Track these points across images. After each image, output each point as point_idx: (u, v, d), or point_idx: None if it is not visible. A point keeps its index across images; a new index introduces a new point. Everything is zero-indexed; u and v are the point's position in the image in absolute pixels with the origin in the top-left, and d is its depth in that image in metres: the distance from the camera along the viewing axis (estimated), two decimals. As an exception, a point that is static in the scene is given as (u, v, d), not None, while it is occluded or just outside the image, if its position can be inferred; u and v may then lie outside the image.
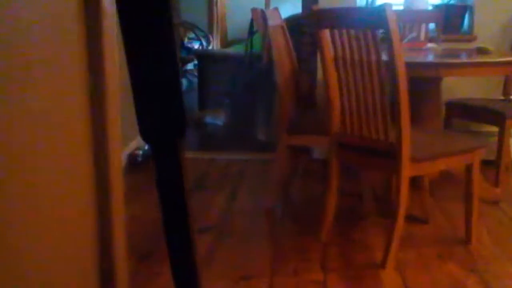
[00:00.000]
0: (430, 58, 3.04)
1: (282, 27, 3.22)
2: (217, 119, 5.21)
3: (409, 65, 2.34)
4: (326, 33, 2.48)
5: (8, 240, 0.70)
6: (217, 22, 7.95)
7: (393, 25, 2.20)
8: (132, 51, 0.45)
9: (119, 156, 0.82)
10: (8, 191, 0.70)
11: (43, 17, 0.77)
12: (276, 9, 3.39)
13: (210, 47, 7.67)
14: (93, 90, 0.82)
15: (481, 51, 3.08)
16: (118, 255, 1.07)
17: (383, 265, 2.40)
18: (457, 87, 3.86)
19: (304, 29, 4.17)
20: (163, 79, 0.46)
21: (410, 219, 2.90)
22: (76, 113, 0.85)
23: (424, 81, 3.17)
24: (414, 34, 3.68)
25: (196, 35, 7.74)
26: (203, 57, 5.72)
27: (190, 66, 7.65)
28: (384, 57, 2.29)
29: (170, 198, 0.46)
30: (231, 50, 6.71)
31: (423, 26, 3.76)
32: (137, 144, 3.98)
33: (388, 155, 2.36)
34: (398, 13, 2.57)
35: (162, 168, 0.44)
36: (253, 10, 4.65)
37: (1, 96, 0.69)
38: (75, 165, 0.88)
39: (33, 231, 0.77)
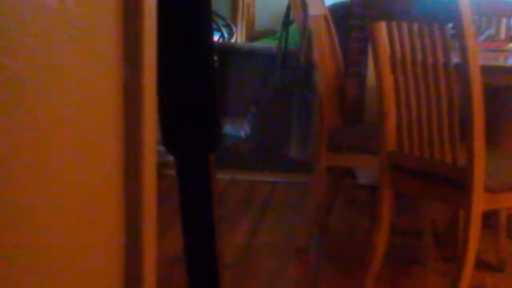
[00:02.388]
0: (512, 61, 3.03)
1: (325, 18, 3.23)
2: (239, 130, 5.23)
3: (485, 70, 2.33)
4: (382, 27, 2.49)
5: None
6: (242, 8, 8.00)
7: (466, 19, 2.20)
8: (166, 46, 0.46)
9: (153, 161, 0.85)
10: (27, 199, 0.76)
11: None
12: (319, -6, 3.41)
13: (232, 40, 7.72)
14: (128, 86, 0.85)
15: None
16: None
17: (445, 323, 2.38)
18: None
19: (353, 21, 4.18)
20: (197, 82, 0.47)
21: (481, 265, 2.88)
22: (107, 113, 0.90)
23: (503, 91, 3.15)
24: (492, 31, 3.67)
25: (215, 24, 7.80)
26: (224, 52, 5.75)
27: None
28: (455, 58, 2.29)
29: (196, 226, 0.46)
30: (259, 44, 6.74)
31: (504, 21, 3.74)
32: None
33: (456, 183, 2.34)
34: (472, 3, 2.57)
35: (188, 188, 0.45)
36: (290, -5, 4.68)
37: (29, 93, 0.73)
38: (102, 168, 0.92)
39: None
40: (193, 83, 0.49)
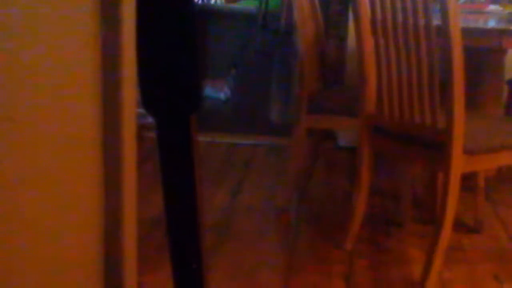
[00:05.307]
0: (492, 23, 3.02)
1: (306, -21, 3.20)
2: (219, 92, 5.21)
3: (466, 32, 2.32)
4: (363, -12, 2.47)
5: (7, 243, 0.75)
6: (222, -31, 7.92)
7: (448, -19, 2.19)
8: (145, 6, 0.45)
9: (132, 122, 0.85)
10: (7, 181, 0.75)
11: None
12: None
13: (212, 1, 7.65)
14: (107, 46, 0.84)
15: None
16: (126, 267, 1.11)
17: (422, 283, 2.40)
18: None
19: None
20: (177, 42, 0.46)
21: (459, 227, 2.90)
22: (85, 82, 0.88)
23: (483, 53, 3.16)
24: (472, -7, 3.66)
25: (195, -15, 7.70)
26: (203, 13, 5.70)
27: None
28: (435, 21, 2.28)
29: (177, 189, 0.46)
30: (239, 6, 6.68)
31: (485, -17, 3.73)
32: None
33: (435, 146, 2.35)
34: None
35: (169, 150, 0.44)
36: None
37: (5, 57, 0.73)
38: (79, 141, 0.92)
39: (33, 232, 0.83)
40: (173, 43, 0.48)
